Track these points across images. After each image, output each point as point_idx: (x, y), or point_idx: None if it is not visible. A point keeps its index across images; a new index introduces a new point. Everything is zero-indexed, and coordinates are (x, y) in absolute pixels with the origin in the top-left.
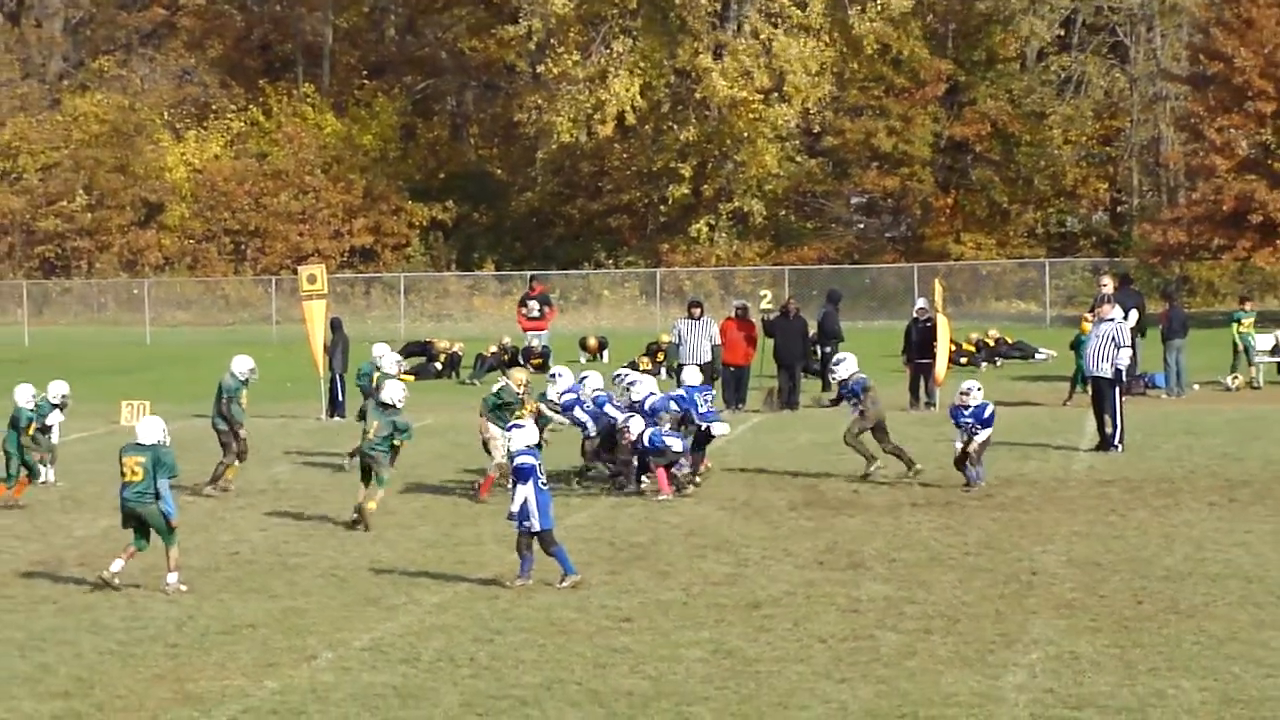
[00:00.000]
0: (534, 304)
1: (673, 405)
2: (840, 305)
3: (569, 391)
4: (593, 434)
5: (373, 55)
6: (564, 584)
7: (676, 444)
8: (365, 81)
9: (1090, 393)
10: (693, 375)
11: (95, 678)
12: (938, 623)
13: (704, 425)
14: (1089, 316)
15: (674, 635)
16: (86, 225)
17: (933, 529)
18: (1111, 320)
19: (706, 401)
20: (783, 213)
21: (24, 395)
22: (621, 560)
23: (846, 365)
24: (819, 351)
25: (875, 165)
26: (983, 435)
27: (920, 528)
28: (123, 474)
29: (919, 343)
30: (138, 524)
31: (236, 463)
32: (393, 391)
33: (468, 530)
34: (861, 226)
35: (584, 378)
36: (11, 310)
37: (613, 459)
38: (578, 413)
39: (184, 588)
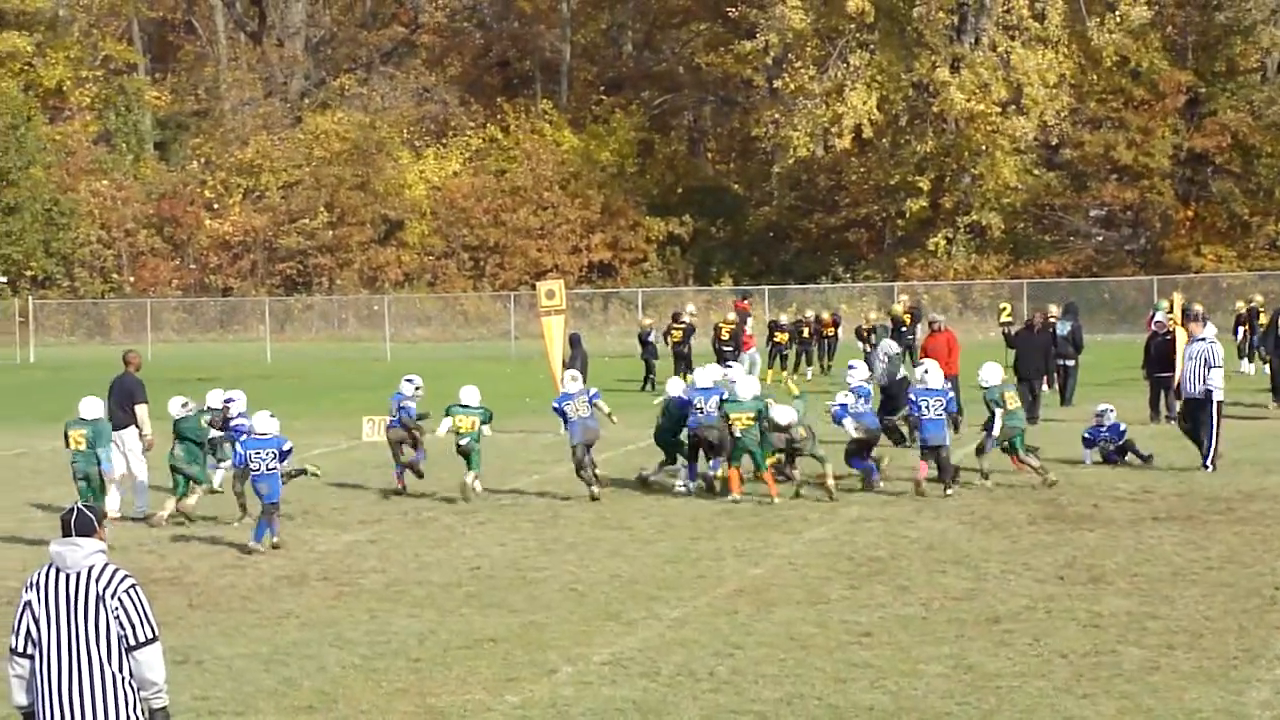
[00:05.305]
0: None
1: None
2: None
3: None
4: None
5: (610, 71)
6: None
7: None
8: (603, 97)
9: None
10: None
11: (339, 692)
12: (1180, 638)
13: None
14: None
15: (914, 650)
16: (327, 242)
17: (1174, 544)
18: (1203, 340)
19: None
20: (1020, 226)
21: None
22: (861, 575)
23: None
24: (1060, 364)
25: (1114, 177)
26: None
27: (1162, 542)
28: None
29: (1158, 356)
30: None
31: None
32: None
33: (707, 545)
34: (1100, 239)
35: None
36: (254, 326)
37: None
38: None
39: None
